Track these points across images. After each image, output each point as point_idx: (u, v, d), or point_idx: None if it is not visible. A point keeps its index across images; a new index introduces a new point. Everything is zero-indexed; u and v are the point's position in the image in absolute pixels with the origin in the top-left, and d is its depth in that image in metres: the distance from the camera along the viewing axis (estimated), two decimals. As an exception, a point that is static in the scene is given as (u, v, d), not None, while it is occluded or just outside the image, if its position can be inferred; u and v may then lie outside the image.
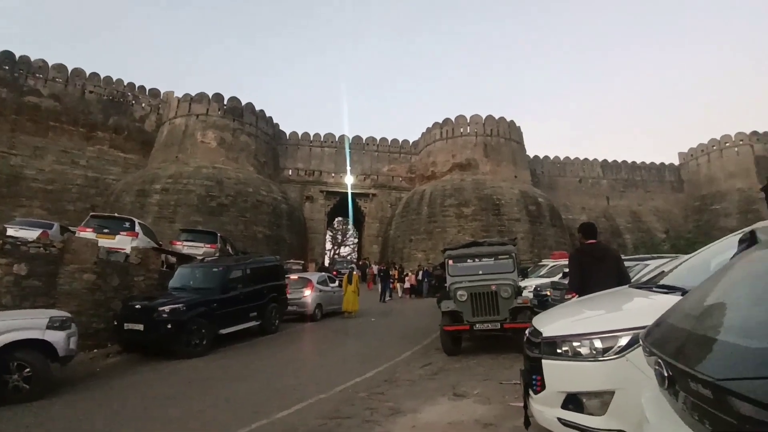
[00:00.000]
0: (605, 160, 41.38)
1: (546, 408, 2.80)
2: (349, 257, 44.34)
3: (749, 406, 0.87)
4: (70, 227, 13.75)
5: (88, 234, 10.72)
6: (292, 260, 24.37)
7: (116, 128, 31.73)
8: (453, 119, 34.57)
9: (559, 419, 2.68)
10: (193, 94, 31.14)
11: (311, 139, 36.84)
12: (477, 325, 7.10)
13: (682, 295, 2.44)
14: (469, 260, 8.36)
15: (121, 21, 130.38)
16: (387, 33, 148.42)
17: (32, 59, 29.84)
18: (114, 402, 5.41)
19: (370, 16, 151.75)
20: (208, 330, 8.23)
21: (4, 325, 5.33)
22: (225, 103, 31.23)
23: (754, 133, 37.11)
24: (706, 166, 39.27)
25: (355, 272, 14.64)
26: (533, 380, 2.94)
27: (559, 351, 2.75)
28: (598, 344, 2.55)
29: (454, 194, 31.09)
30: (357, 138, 37.55)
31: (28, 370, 5.37)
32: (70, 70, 30.85)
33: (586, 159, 41.30)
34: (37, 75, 29.72)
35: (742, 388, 0.92)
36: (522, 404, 3.21)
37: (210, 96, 31.02)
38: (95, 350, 8.02)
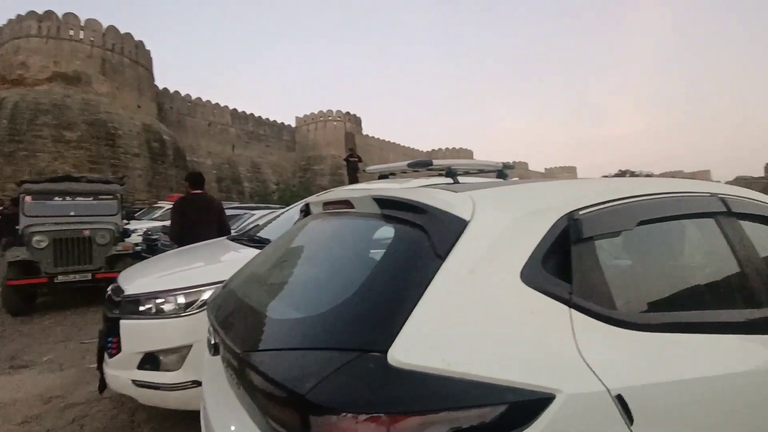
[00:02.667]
0: (235, 110, 42.76)
1: (121, 372, 2.57)
2: None
3: (259, 378, 0.93)
4: None
5: None
6: None
7: None
8: (60, 16, 26.99)
9: (134, 381, 2.51)
10: None
11: None
12: (60, 277, 5.90)
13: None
14: (57, 198, 6.76)
15: None
16: None
17: None
18: None
19: None
20: None
21: None
22: None
23: (347, 113, 47.32)
24: (314, 133, 47.07)
25: None
26: (109, 343, 2.64)
27: (141, 309, 2.55)
28: (181, 300, 2.51)
29: (52, 111, 24.60)
30: None
31: None
32: None
33: (217, 104, 41.39)
34: None
35: (256, 360, 0.98)
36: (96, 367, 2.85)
37: None
38: None
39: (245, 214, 8.65)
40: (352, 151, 13.04)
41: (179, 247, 3.74)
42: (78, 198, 6.87)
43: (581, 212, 1.11)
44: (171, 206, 13.25)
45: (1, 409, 3.20)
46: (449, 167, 3.75)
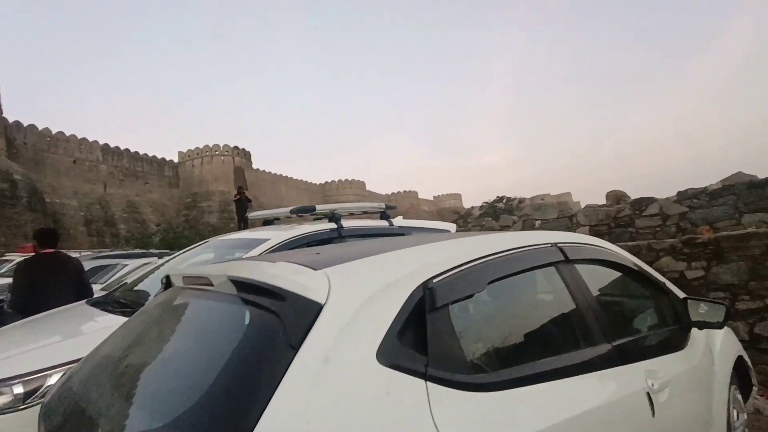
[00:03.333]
0: (107, 144, 38.89)
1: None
2: None
3: None
4: None
5: None
6: None
7: None
8: None
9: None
10: None
11: None
12: None
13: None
14: None
15: None
16: None
17: None
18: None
19: None
20: None
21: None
22: None
23: (236, 147, 45.68)
24: (199, 168, 44.46)
25: None
26: None
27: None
28: (19, 389, 2.12)
29: None
30: None
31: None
32: None
33: (84, 138, 37.28)
34: None
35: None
36: None
37: None
38: None
39: (116, 264, 7.75)
40: (240, 190, 12.56)
41: (22, 317, 3.17)
42: None
43: (435, 280, 1.17)
44: (23, 258, 11.42)
45: None
46: (332, 212, 3.78)
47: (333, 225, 3.51)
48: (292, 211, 3.83)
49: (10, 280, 9.28)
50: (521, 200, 33.62)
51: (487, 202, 29.74)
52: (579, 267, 1.70)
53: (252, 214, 4.78)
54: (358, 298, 1.04)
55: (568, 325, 1.57)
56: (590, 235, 8.07)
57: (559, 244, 1.69)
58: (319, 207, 3.82)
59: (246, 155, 46.85)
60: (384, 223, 4.03)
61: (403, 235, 3.83)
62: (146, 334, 1.46)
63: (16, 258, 12.61)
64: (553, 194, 77.77)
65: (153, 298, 1.77)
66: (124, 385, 1.16)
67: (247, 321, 1.05)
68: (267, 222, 4.20)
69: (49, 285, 3.56)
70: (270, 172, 53.35)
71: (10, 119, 31.15)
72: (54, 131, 35.21)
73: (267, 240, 3.12)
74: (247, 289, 1.12)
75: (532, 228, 8.67)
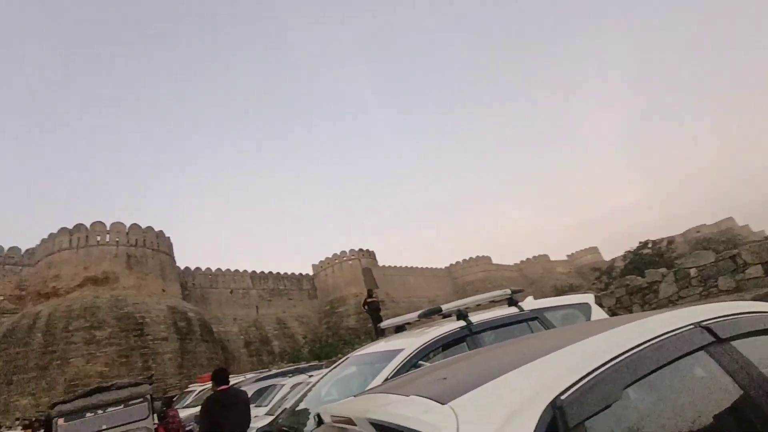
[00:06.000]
0: (254, 272, 44.34)
1: None
2: None
3: None
4: None
5: None
6: None
7: None
8: (88, 225, 29.77)
9: None
10: None
11: None
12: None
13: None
14: (88, 414, 6.76)
15: None
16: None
17: None
18: None
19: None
20: None
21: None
22: None
23: (360, 249, 48.69)
24: (332, 276, 47.88)
25: None
26: None
27: None
28: None
29: (84, 315, 25.66)
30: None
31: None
32: None
33: (236, 270, 43.09)
34: None
35: None
36: None
37: None
38: None
39: (275, 385, 8.47)
40: (369, 293, 13.17)
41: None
42: (109, 409, 6.85)
43: (563, 396, 1.15)
44: (203, 388, 13.04)
45: None
46: (459, 310, 3.82)
47: (462, 323, 3.54)
48: (420, 316, 3.96)
49: (195, 410, 10.61)
50: (671, 240, 29.45)
51: (630, 251, 26.61)
52: (738, 344, 1.50)
53: (383, 324, 5.02)
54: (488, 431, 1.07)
55: (736, 413, 1.36)
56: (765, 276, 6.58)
57: (705, 323, 1.53)
58: (446, 306, 3.90)
59: (371, 255, 49.47)
60: (514, 309, 3.93)
61: (536, 319, 3.69)
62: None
63: (197, 388, 14.44)
64: (709, 223, 67.20)
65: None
66: None
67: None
68: (399, 328, 4.37)
69: (224, 418, 4.12)
70: (396, 266, 55.18)
71: (182, 266, 37.45)
72: (214, 269, 41.37)
73: (401, 351, 3.24)
74: (385, 430, 1.22)
75: (687, 278, 7.48)
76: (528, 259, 69.53)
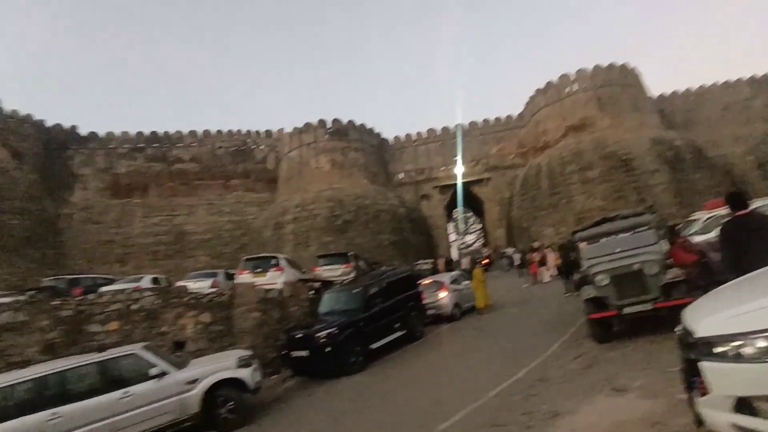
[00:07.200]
0: (753, 76, 34.75)
1: (716, 412, 2.64)
2: (474, 245, 43.59)
3: None
4: (229, 271, 16.02)
5: (245, 276, 12.49)
6: (420, 261, 25.04)
7: (245, 173, 35.98)
8: (555, 80, 32.20)
9: (734, 425, 2.51)
10: (300, 126, 33.91)
11: (414, 139, 37.42)
12: (625, 309, 6.66)
13: None
14: (602, 239, 7.86)
15: (227, 77, 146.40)
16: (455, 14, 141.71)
17: (171, 132, 35.35)
18: (306, 419, 6.52)
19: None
20: (361, 347, 9.00)
21: (209, 369, 6.63)
22: (329, 126, 33.44)
23: None
24: None
25: (477, 267, 14.67)
26: (694, 383, 2.80)
27: (716, 351, 2.58)
28: (762, 344, 2.35)
29: (573, 160, 28.93)
30: (459, 126, 37.12)
31: (231, 403, 6.56)
32: (200, 134, 35.82)
33: (727, 81, 35.21)
34: (178, 144, 35.18)
35: None
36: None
37: (315, 123, 33.47)
38: (273, 377, 9.31)
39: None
40: None
41: (736, 277, 3.45)
42: (618, 235, 7.69)
43: None
44: (709, 216, 12.08)
45: (618, 426, 3.94)
46: None
47: None
48: None
49: (703, 237, 10.06)
50: None
51: None
52: None
53: None
54: None
55: None
56: None
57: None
58: None
59: None
60: None
61: None
62: None
63: (703, 215, 13.52)
64: None
65: None
66: None
67: None
68: None
69: (752, 246, 3.70)
70: None
71: (655, 91, 34.32)
72: (694, 88, 35.54)
73: None
74: None
75: None
76: None
